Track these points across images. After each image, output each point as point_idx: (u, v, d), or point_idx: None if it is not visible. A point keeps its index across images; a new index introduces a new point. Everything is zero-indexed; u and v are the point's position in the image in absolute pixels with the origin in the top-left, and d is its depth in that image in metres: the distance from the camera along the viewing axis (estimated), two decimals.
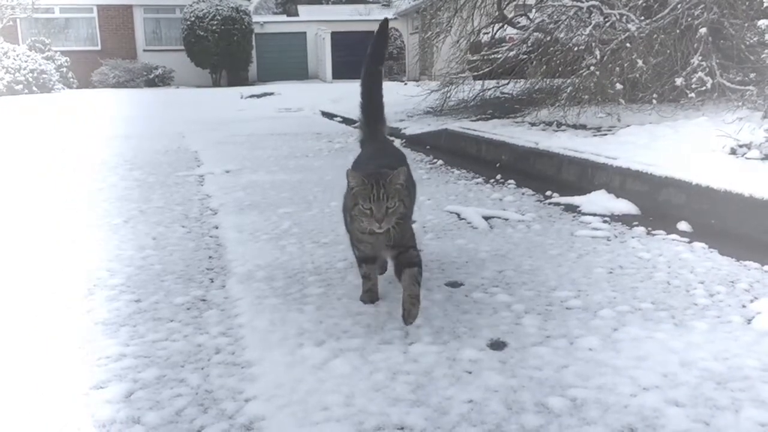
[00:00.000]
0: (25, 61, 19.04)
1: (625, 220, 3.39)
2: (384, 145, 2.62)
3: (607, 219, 3.42)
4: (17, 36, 23.46)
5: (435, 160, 5.73)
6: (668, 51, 5.24)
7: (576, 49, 5.66)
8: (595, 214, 3.49)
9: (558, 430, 1.50)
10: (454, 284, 2.48)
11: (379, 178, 2.00)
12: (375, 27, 2.89)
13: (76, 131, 9.27)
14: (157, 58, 24.68)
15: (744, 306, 2.20)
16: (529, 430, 1.50)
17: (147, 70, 23.63)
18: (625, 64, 5.30)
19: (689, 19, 5.08)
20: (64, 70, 21.75)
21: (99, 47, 24.96)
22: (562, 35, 6.00)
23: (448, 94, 8.05)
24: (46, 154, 6.89)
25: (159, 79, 23.58)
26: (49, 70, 20.00)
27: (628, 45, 5.24)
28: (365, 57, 2.64)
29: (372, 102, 2.61)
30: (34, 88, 18.88)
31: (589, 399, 1.62)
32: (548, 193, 4.08)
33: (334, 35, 24.68)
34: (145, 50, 25.45)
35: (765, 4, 4.53)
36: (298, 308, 2.28)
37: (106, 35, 25.16)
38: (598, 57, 5.32)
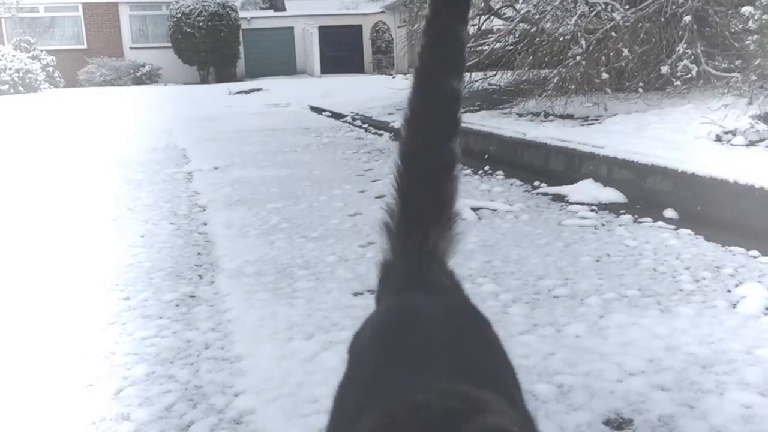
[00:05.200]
0: (11, 61, 18.86)
1: (612, 208, 3.41)
2: (450, 318, 0.86)
3: (594, 208, 3.44)
4: (2, 36, 23.23)
5: None
6: (653, 39, 5.25)
7: (562, 39, 5.66)
8: (582, 203, 3.51)
9: (545, 416, 1.51)
10: None
11: None
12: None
13: (63, 131, 9.21)
14: (144, 56, 24.50)
15: (729, 291, 2.22)
16: None
17: (134, 67, 23.46)
18: (611, 54, 5.31)
19: (674, 7, 5.09)
20: (51, 69, 21.56)
21: (85, 45, 24.73)
22: (548, 25, 6.00)
23: None
24: (33, 154, 6.85)
25: (146, 77, 23.41)
26: (35, 69, 19.82)
27: (613, 34, 5.25)
28: (419, 63, 1.05)
29: (428, 170, 1.03)
30: (20, 88, 18.71)
31: (575, 385, 1.64)
32: (536, 183, 4.09)
33: (322, 29, 24.57)
34: (131, 48, 25.25)
35: None
36: (287, 302, 2.29)
37: (92, 33, 24.94)
38: (584, 47, 5.33)
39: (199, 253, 2.97)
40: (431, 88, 1.04)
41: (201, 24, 22.80)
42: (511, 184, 4.20)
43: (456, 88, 1.03)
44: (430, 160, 1.03)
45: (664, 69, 5.06)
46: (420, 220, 1.02)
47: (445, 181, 1.03)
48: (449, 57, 1.04)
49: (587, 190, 3.66)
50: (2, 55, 18.82)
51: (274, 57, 26.15)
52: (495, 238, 3.00)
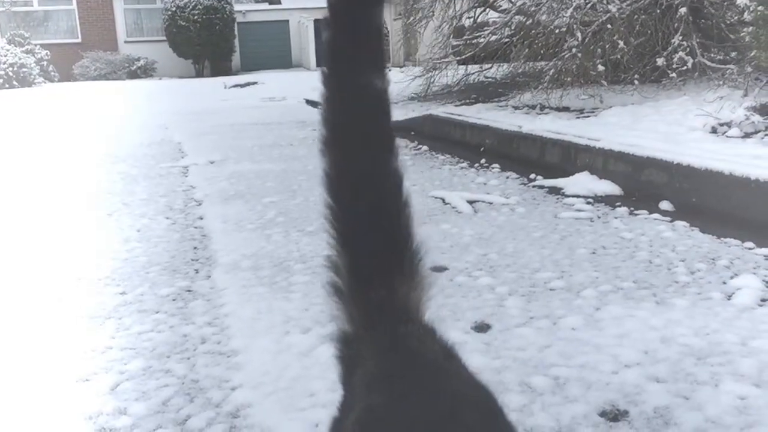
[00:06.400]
0: (5, 56, 18.77)
1: (608, 200, 3.41)
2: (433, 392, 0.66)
3: (590, 200, 3.44)
4: None
5: (419, 146, 5.73)
6: (649, 31, 5.25)
7: (558, 31, 5.65)
8: (578, 196, 3.51)
9: (541, 408, 1.52)
10: (439, 269, 2.50)
11: None
12: None
13: (58, 125, 9.18)
14: (139, 50, 24.38)
15: (724, 282, 2.23)
16: (512, 409, 1.52)
17: (129, 61, 23.35)
18: (607, 46, 5.31)
19: None
20: (45, 63, 21.45)
21: (79, 39, 24.60)
22: (543, 18, 5.99)
23: (432, 80, 8.03)
24: (28, 148, 6.83)
25: (141, 71, 23.31)
26: (30, 63, 19.73)
27: (609, 26, 5.25)
28: (328, 62, 0.84)
29: (371, 202, 0.79)
30: (15, 83, 18.62)
31: (571, 377, 1.64)
32: (532, 176, 4.10)
33: (317, 23, 24.53)
34: (126, 41, 25.12)
35: None
36: (284, 296, 2.29)
37: (86, 27, 24.81)
38: (580, 39, 5.33)
39: (195, 248, 2.97)
40: (349, 90, 0.78)
41: (196, 17, 22.69)
42: (507, 177, 4.20)
43: (381, 88, 0.77)
44: (369, 186, 0.77)
45: (660, 61, 5.07)
46: (378, 271, 0.78)
47: (396, 210, 0.78)
48: (366, 48, 0.78)
49: (583, 182, 3.67)
50: None
51: (270, 50, 26.05)
52: (491, 231, 3.00)
